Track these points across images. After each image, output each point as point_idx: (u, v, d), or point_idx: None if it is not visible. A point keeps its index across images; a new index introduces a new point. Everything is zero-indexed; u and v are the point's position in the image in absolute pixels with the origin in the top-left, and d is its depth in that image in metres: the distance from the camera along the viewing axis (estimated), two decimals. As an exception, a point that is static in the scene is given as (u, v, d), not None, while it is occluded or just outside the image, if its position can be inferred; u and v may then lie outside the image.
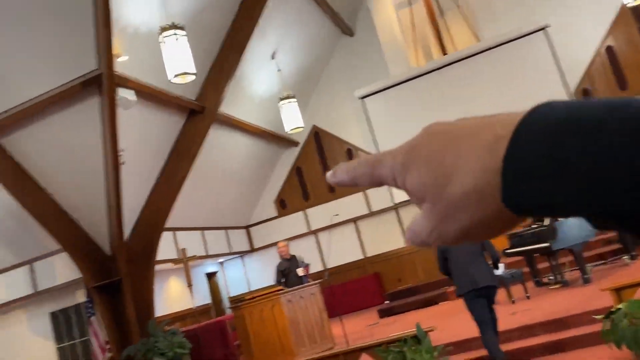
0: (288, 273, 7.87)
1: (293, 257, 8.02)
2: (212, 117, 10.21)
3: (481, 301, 4.84)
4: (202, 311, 12.53)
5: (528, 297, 7.33)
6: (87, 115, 8.31)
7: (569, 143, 0.30)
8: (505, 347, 5.43)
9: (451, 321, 7.38)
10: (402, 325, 7.46)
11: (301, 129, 11.29)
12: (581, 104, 0.31)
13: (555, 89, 11.08)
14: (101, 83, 7.87)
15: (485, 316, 4.86)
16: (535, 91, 10.97)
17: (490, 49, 11.51)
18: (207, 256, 12.59)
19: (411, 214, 11.92)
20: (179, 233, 11.53)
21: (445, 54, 12.20)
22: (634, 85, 11.46)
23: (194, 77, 7.54)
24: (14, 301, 10.86)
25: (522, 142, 0.32)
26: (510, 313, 6.49)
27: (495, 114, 0.35)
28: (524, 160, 0.31)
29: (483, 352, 5.52)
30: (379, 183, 0.40)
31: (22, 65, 7.78)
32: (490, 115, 0.35)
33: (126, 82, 8.33)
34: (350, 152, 13.86)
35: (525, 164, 0.31)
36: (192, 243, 11.50)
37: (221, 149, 11.69)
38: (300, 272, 7.89)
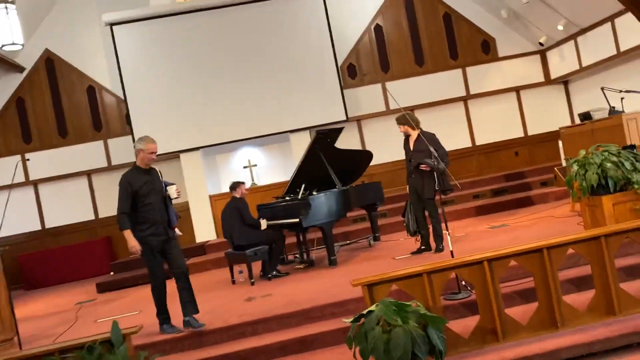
0: None
1: None
2: None
3: None
4: None
5: (270, 278, 6.50)
6: None
7: None
8: (236, 345, 4.40)
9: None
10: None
11: (19, 47, 8.65)
12: None
13: (326, 59, 10.69)
14: None
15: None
16: (310, 56, 10.57)
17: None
18: None
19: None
20: None
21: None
22: (395, 69, 11.67)
23: None
24: None
25: None
26: (245, 299, 5.54)
27: None
28: None
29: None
30: None
31: None
32: None
33: None
34: (92, 91, 11.50)
35: None
36: None
37: None
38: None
